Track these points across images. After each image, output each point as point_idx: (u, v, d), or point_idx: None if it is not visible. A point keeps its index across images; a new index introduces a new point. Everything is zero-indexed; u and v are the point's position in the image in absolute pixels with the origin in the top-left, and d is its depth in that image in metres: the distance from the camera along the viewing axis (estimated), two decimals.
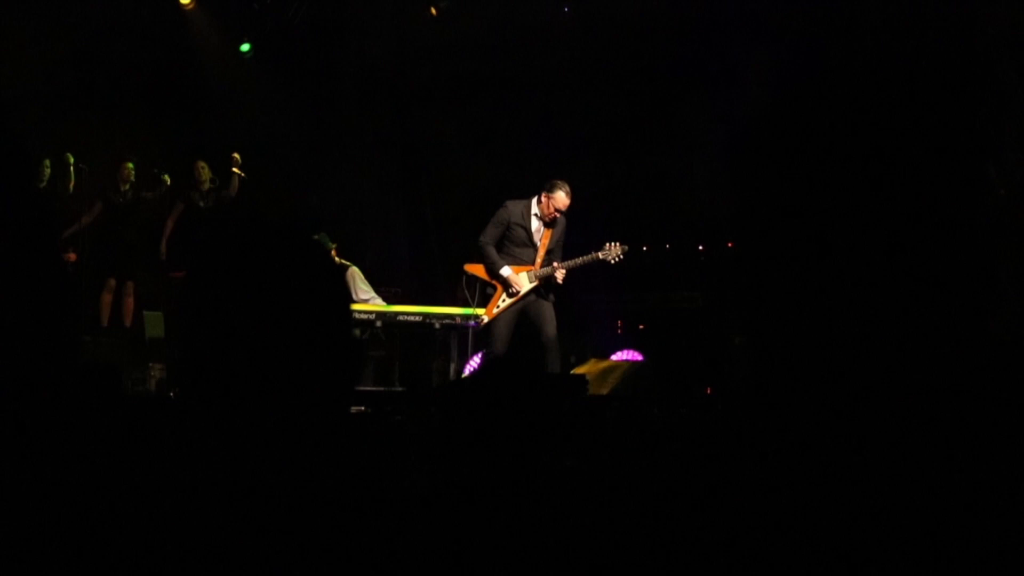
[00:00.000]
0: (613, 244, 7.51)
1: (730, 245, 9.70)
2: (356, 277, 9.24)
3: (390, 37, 10.76)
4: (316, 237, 8.05)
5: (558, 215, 7.38)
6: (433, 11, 10.69)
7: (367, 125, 11.19)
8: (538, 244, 7.45)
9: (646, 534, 1.99)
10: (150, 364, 8.51)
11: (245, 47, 10.97)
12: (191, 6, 10.55)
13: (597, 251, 7.50)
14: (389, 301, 9.15)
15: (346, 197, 11.03)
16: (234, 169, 9.78)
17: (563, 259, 7.50)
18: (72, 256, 9.23)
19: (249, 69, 10.96)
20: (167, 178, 9.75)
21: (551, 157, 9.69)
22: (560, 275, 7.37)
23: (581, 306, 9.62)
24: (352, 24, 10.71)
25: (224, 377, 1.29)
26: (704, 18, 9.24)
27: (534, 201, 7.45)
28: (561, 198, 7.33)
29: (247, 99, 10.62)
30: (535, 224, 7.46)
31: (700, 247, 10.08)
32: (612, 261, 7.52)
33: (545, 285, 7.46)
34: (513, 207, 7.46)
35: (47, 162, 9.05)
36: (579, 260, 7.45)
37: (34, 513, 1.24)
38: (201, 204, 9.80)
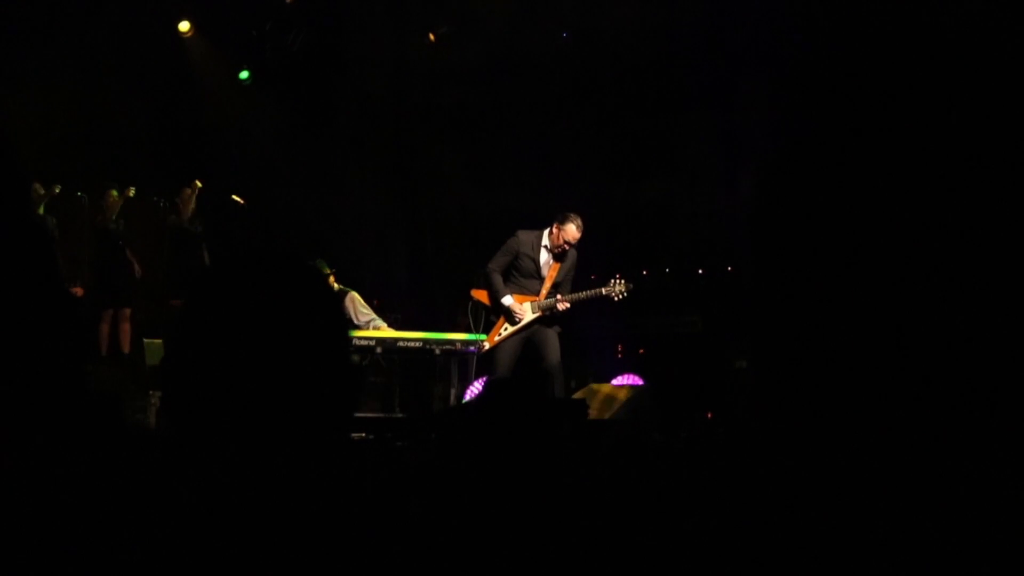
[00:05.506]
0: (618, 280, 7.41)
1: (729, 269, 9.67)
2: (356, 301, 9.24)
3: (388, 64, 10.80)
4: (314, 263, 8.04)
5: (567, 247, 7.28)
6: (431, 37, 10.74)
7: (366, 151, 11.21)
8: (545, 276, 7.34)
9: (648, 558, 1.98)
10: (151, 392, 8.46)
11: (244, 75, 11.01)
12: (190, 34, 10.60)
13: (602, 287, 7.41)
14: (389, 326, 9.15)
15: (345, 223, 11.04)
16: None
17: (571, 292, 7.38)
18: (79, 290, 9.20)
19: (248, 96, 11.00)
20: (164, 204, 9.77)
21: (550, 183, 9.71)
22: (562, 307, 7.26)
23: (581, 331, 9.60)
24: (351, 51, 10.75)
25: (221, 404, 1.28)
26: (703, 42, 9.26)
27: (545, 233, 7.35)
28: (571, 231, 7.22)
29: (246, 126, 10.64)
30: (544, 256, 7.36)
31: (700, 271, 10.06)
32: (616, 298, 7.42)
33: (550, 316, 7.40)
34: (524, 237, 7.37)
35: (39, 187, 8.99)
36: (583, 294, 7.33)
37: (32, 541, 1.23)
38: (189, 229, 9.80)
